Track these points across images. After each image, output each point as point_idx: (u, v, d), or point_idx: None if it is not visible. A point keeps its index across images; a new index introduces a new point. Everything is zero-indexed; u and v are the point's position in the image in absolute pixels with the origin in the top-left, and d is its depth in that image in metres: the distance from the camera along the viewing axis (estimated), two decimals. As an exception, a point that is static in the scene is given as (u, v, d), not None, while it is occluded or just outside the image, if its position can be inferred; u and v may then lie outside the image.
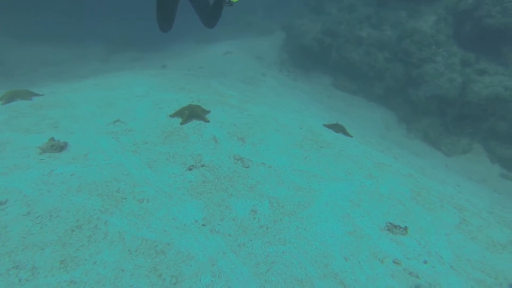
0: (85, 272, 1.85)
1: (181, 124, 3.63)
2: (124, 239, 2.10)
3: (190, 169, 2.90)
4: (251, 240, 2.27)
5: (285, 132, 3.88)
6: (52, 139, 2.92)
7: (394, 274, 2.19)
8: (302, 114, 5.22)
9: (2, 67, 9.78)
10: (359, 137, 5.08)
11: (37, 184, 2.47)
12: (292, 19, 10.53)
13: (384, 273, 2.18)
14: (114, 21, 14.26)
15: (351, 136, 4.64)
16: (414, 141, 7.69)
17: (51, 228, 2.09)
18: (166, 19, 4.16)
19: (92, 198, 2.39)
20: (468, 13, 7.29)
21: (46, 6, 12.79)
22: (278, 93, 7.20)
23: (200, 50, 11.93)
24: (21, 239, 1.99)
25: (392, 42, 8.07)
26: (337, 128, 4.73)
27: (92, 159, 2.86)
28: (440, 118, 7.57)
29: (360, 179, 3.20)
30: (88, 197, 2.40)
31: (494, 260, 2.50)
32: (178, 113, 3.80)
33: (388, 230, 2.56)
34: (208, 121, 3.75)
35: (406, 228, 2.57)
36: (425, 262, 2.35)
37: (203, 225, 2.34)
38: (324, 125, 4.80)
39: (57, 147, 2.89)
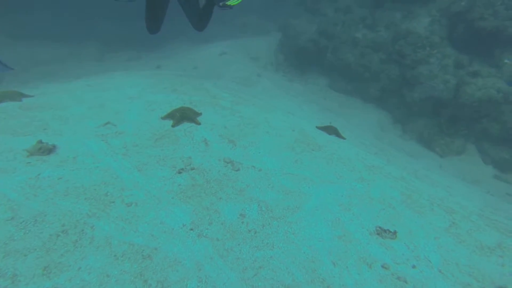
0: (69, 279, 1.83)
1: (172, 126, 3.61)
2: (110, 244, 2.08)
3: (179, 172, 2.88)
4: (239, 245, 2.26)
5: (277, 135, 3.87)
6: (40, 141, 2.88)
7: (382, 279, 2.19)
8: (295, 116, 5.21)
9: (-11, 66, 9.67)
10: (353, 139, 5.09)
11: (23, 188, 2.44)
12: (288, 20, 10.52)
13: (372, 278, 2.18)
14: (111, 20, 14.20)
15: (344, 138, 4.64)
16: (409, 142, 7.73)
17: (35, 233, 2.07)
18: (155, 21, 4.14)
19: (80, 202, 2.37)
20: (461, 15, 7.33)
21: (41, 5, 12.67)
22: (272, 95, 7.20)
23: (195, 50, 11.89)
24: (3, 245, 1.96)
25: (387, 43, 8.10)
26: (330, 130, 4.73)
27: (81, 162, 2.83)
28: (435, 119, 7.61)
29: (351, 182, 3.20)
30: (76, 201, 2.37)
31: (481, 263, 2.51)
32: (170, 116, 3.78)
33: (378, 234, 2.56)
34: (199, 124, 3.73)
35: (395, 232, 2.57)
36: (414, 266, 2.35)
37: (191, 229, 2.32)
38: (317, 127, 4.80)
39: (45, 150, 2.86)
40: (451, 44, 7.67)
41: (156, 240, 2.17)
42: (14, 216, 2.17)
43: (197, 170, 2.95)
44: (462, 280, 2.31)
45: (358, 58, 8.49)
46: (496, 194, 5.43)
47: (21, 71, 9.64)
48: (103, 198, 2.45)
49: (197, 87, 5.33)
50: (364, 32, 8.51)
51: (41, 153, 2.84)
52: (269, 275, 2.07)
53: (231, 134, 3.65)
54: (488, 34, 6.82)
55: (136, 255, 2.03)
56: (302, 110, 6.47)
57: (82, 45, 12.58)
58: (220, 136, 3.56)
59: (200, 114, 4.01)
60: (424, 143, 7.56)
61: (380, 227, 2.60)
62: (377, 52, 8.24)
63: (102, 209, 2.34)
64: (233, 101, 4.85)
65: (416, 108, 7.70)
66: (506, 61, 6.76)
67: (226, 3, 3.46)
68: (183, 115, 3.74)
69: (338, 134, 4.72)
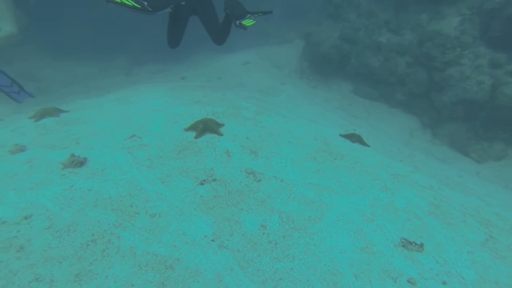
0: (97, 286, 1.92)
1: (195, 138, 3.71)
2: (135, 254, 2.17)
3: (202, 184, 2.95)
4: (259, 256, 2.27)
5: (299, 144, 3.86)
6: (73, 155, 3.07)
7: (408, 294, 2.10)
8: (318, 124, 5.17)
9: (39, 84, 10.45)
10: (378, 146, 4.95)
11: (58, 199, 2.61)
12: (310, 27, 10.51)
13: (397, 292, 2.11)
14: (138, 35, 14.87)
15: (368, 146, 4.53)
16: (440, 147, 7.40)
17: (69, 242, 2.20)
18: (175, 36, 4.33)
19: (107, 213, 2.49)
20: (496, 12, 6.96)
21: (73, 23, 13.49)
22: (295, 102, 7.19)
23: (219, 60, 12.15)
24: (42, 252, 2.10)
25: (413, 46, 7.85)
26: (354, 138, 4.64)
27: (109, 174, 2.98)
28: (468, 123, 7.25)
29: (374, 192, 3.11)
30: (103, 211, 2.50)
31: (522, 281, 2.34)
32: (192, 127, 3.89)
33: (403, 246, 2.47)
34: (221, 135, 3.80)
35: (422, 244, 2.47)
36: (444, 283, 2.24)
37: (212, 240, 2.36)
38: (341, 135, 4.73)
39: (77, 162, 3.04)
40: (485, 43, 7.29)
41: (178, 251, 2.23)
42: (51, 225, 2.33)
43: (219, 181, 3.00)
44: (498, 298, 2.17)
45: (382, 62, 8.30)
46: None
47: (61, 88, 10.35)
48: (128, 209, 2.56)
49: (220, 98, 5.44)
50: (388, 36, 8.31)
51: (74, 165, 3.02)
52: (289, 287, 2.06)
53: (253, 144, 3.68)
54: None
55: (159, 265, 2.10)
56: (325, 117, 6.40)
57: (112, 60, 13.29)
58: (242, 147, 3.61)
59: (223, 125, 4.09)
60: (458, 148, 7.20)
61: (405, 239, 2.50)
62: (402, 55, 8.01)
63: (128, 220, 2.44)
64: (256, 111, 4.90)
65: (447, 112, 7.37)
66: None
67: (242, 22, 3.60)
68: (206, 127, 3.83)
69: (362, 142, 4.62)
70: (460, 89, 7.16)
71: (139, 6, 3.14)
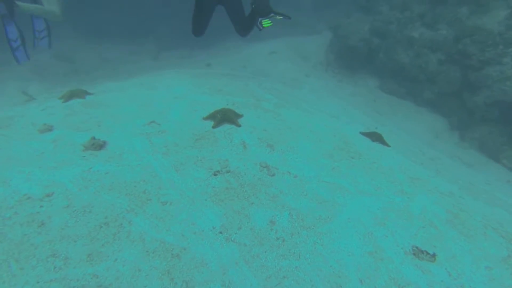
0: (107, 268, 2.00)
1: (213, 127, 3.73)
2: (144, 240, 2.23)
3: (215, 175, 2.97)
4: (265, 252, 2.27)
5: (317, 140, 3.79)
6: (93, 138, 3.19)
7: (415, 305, 2.05)
8: (339, 120, 5.05)
9: (73, 65, 10.86)
10: (399, 146, 4.78)
11: (77, 180, 2.72)
12: (339, 19, 10.17)
13: (403, 302, 2.05)
14: (167, 20, 15.01)
15: (389, 146, 4.38)
16: (468, 151, 7.04)
17: (84, 222, 2.30)
18: (200, 25, 4.34)
19: (121, 197, 2.57)
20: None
21: (105, 7, 13.81)
22: (318, 96, 7.05)
23: (246, 48, 12.06)
24: (60, 230, 2.21)
25: (448, 42, 7.41)
26: (374, 136, 4.49)
27: (126, 159, 3.07)
28: (503, 127, 6.82)
29: (389, 195, 3.02)
30: (118, 195, 2.59)
31: (541, 302, 2.21)
32: (211, 116, 3.91)
33: (414, 254, 2.39)
34: (239, 126, 3.80)
35: (434, 254, 2.37)
36: (454, 295, 2.15)
37: (220, 232, 2.39)
38: (361, 133, 4.60)
39: (97, 145, 3.15)
40: (534, 41, 6.74)
41: (186, 240, 2.28)
42: (69, 205, 2.44)
43: (233, 173, 3.02)
44: (512, 318, 2.07)
45: (413, 58, 7.92)
46: None
47: (92, 70, 10.72)
48: (141, 195, 2.63)
49: (241, 88, 5.42)
50: (421, 31, 7.89)
51: (94, 148, 3.13)
52: (292, 286, 2.06)
53: (270, 138, 3.66)
54: None
55: (166, 253, 2.16)
56: (348, 113, 6.24)
57: (141, 45, 13.54)
58: (259, 139, 3.59)
59: (241, 116, 4.08)
60: (488, 153, 6.81)
61: (417, 247, 2.42)
62: (435, 52, 7.59)
63: (140, 206, 2.52)
64: (277, 103, 4.85)
65: (480, 113, 6.96)
66: None
67: (262, 21, 3.76)
68: (224, 117, 3.84)
69: (382, 141, 4.47)
70: (497, 90, 6.72)
71: None
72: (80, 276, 1.95)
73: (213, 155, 3.25)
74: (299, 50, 11.46)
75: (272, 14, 4.09)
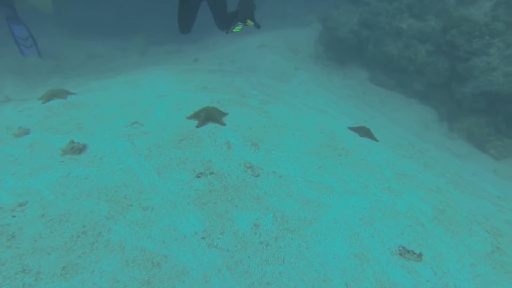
0: (83, 281, 1.93)
1: (197, 127, 3.64)
2: (123, 249, 2.16)
3: (198, 177, 2.90)
4: (248, 257, 2.22)
5: (303, 137, 3.73)
6: (72, 141, 3.07)
7: (400, 307, 2.02)
8: (327, 114, 4.99)
9: (57, 62, 10.57)
10: (388, 140, 4.76)
11: (54, 187, 2.62)
12: (329, 10, 10.05)
13: (388, 304, 2.03)
14: (155, 15, 14.71)
15: (377, 140, 4.35)
16: (456, 141, 7.08)
17: (60, 232, 2.21)
18: (187, 22, 4.25)
19: (101, 204, 2.48)
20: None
21: (91, 2, 13.49)
22: (307, 90, 6.97)
23: (234, 42, 11.87)
24: (32, 242, 2.12)
25: (436, 33, 7.38)
26: (363, 131, 4.45)
27: (107, 162, 2.97)
28: (489, 118, 6.86)
29: (376, 193, 2.98)
30: (97, 202, 2.50)
31: (525, 299, 2.21)
32: (195, 116, 3.82)
33: (400, 254, 2.36)
34: (224, 124, 3.72)
35: (420, 254, 2.35)
36: (439, 295, 2.14)
37: (203, 238, 2.33)
38: (349, 128, 4.55)
39: (76, 149, 3.04)
40: (519, 31, 6.74)
41: (167, 247, 2.21)
42: (44, 214, 2.35)
43: (216, 174, 2.94)
44: (496, 316, 2.06)
45: (401, 50, 7.88)
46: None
47: (78, 67, 10.45)
48: (122, 201, 2.55)
49: (228, 84, 5.32)
50: (410, 22, 7.84)
51: (73, 152, 3.03)
52: (276, 292, 2.01)
53: (256, 136, 3.59)
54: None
55: (146, 262, 2.09)
56: (337, 107, 6.18)
57: (128, 40, 13.25)
58: (243, 138, 3.52)
59: (226, 114, 3.99)
60: (475, 143, 6.86)
61: (403, 247, 2.40)
62: (424, 43, 7.56)
63: (120, 212, 2.43)
64: (263, 99, 4.76)
65: (467, 104, 6.98)
66: None
67: (234, 28, 3.80)
68: (208, 116, 3.75)
69: (370, 136, 4.44)
70: (484, 80, 6.73)
71: None
72: (54, 291, 1.87)
73: (196, 156, 3.17)
74: (288, 43, 11.34)
75: (247, 22, 4.26)
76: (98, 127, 3.61)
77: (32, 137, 3.36)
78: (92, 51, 11.92)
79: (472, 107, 6.94)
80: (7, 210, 2.35)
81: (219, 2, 4.25)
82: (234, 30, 4.28)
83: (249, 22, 4.12)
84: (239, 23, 4.11)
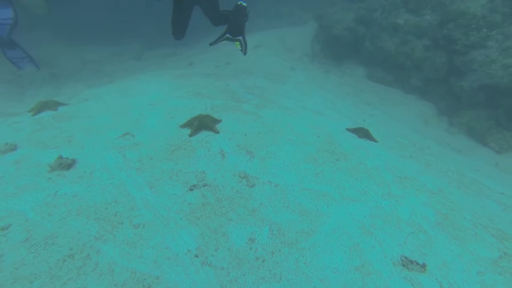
0: (69, 310, 1.83)
1: (190, 136, 3.54)
2: (113, 272, 2.06)
3: (191, 190, 2.80)
4: (244, 275, 2.12)
5: (300, 143, 3.62)
6: (60, 157, 2.98)
7: (404, 323, 1.92)
8: (324, 116, 4.88)
9: (52, 70, 10.48)
10: (387, 140, 4.65)
11: (40, 207, 2.52)
12: (323, 8, 9.93)
13: (392, 321, 1.92)
14: (150, 19, 14.60)
15: (376, 141, 4.25)
16: (457, 136, 6.97)
17: (44, 257, 2.11)
18: (180, 27, 4.17)
19: (89, 223, 2.39)
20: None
21: (85, 8, 13.39)
22: (304, 90, 6.86)
23: (229, 43, 11.73)
24: (14, 270, 2.02)
25: (433, 28, 7.25)
26: (361, 132, 4.34)
27: (97, 177, 2.87)
28: (489, 111, 6.75)
29: (376, 199, 2.88)
30: (86, 221, 2.40)
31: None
32: (188, 124, 3.71)
33: (403, 265, 2.26)
34: (217, 132, 3.61)
35: (424, 264, 2.25)
36: (445, 308, 2.03)
37: (196, 256, 2.23)
38: (348, 129, 4.45)
39: (65, 165, 2.94)
40: (517, 22, 6.62)
41: (158, 268, 2.11)
42: (28, 238, 2.25)
43: (210, 186, 2.84)
44: (506, 329, 1.96)
45: (398, 45, 7.76)
46: None
47: (73, 73, 10.35)
48: (112, 219, 2.45)
49: (222, 89, 5.21)
50: (406, 17, 7.71)
51: (62, 168, 2.93)
52: (273, 313, 1.91)
53: (250, 143, 3.48)
54: None
55: (136, 285, 1.99)
56: (335, 107, 6.07)
57: (124, 45, 13.16)
58: (237, 146, 3.42)
59: (220, 121, 3.89)
60: (476, 137, 6.75)
61: (406, 257, 2.29)
62: (420, 38, 7.44)
63: (110, 231, 2.34)
64: (258, 104, 4.65)
65: (466, 98, 6.87)
66: None
67: (218, 41, 4.14)
68: (201, 124, 3.65)
69: (369, 137, 4.33)
70: (483, 73, 6.62)
71: None
72: (40, 320, 1.77)
73: (189, 167, 3.07)
74: (284, 42, 11.22)
75: (237, 38, 4.26)
76: (89, 139, 3.51)
77: (19, 153, 3.26)
78: (87, 57, 11.82)
79: (471, 101, 6.83)
80: (-11, 235, 2.25)
81: (211, 4, 4.16)
82: (211, 44, 4.30)
83: (237, 45, 4.10)
84: (227, 35, 4.05)
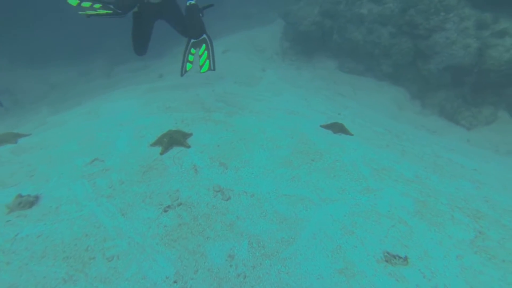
0: None
1: (161, 154, 3.43)
2: (86, 314, 1.94)
3: (166, 211, 2.70)
4: (226, 296, 2.04)
5: (273, 147, 3.57)
6: (20, 195, 2.80)
7: (392, 322, 1.90)
8: (297, 115, 4.86)
9: (14, 97, 10.04)
10: (363, 131, 4.67)
11: (-1, 254, 2.35)
12: (288, 6, 9.95)
13: (380, 322, 1.90)
14: (114, 33, 14.23)
15: (352, 134, 4.25)
16: (430, 117, 7.13)
17: (10, 310, 1.97)
18: (142, 43, 4.02)
19: (56, 264, 2.25)
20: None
21: (43, 30, 12.93)
22: (276, 91, 6.82)
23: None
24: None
25: (396, 15, 7.39)
26: (336, 127, 4.35)
27: (64, 212, 2.72)
28: (457, 90, 6.95)
29: (355, 196, 2.86)
30: (52, 263, 2.26)
31: (517, 286, 2.13)
32: (158, 142, 3.60)
33: (386, 261, 2.24)
34: (189, 147, 3.52)
35: (406, 257, 2.24)
36: (431, 299, 2.03)
37: (175, 281, 2.13)
38: (322, 126, 4.44)
39: (26, 203, 2.76)
40: (470, 3, 6.85)
41: (135, 302, 2.01)
42: (-20, 297, 2.08)
43: (185, 205, 2.75)
44: (491, 313, 1.96)
45: (365, 35, 7.86)
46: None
47: (40, 98, 9.95)
48: (83, 255, 2.31)
49: (191, 100, 5.10)
50: (369, 7, 7.82)
51: (22, 207, 2.75)
52: (258, 332, 1.85)
53: (223, 154, 3.41)
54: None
55: (112, 325, 1.88)
56: (308, 104, 6.07)
57: (91, 62, 12.78)
58: (210, 159, 3.33)
59: (191, 134, 3.79)
60: (448, 116, 6.93)
61: (388, 252, 2.28)
62: (385, 26, 7.56)
63: (81, 269, 2.21)
64: (228, 111, 4.58)
65: (434, 80, 7.04)
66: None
67: (185, 61, 3.84)
68: (171, 140, 3.54)
69: (345, 131, 4.34)
70: (446, 55, 6.80)
71: (111, 12, 2.98)
72: None
73: (163, 188, 2.96)
74: (253, 43, 11.19)
75: (202, 38, 4.06)
76: (54, 171, 3.33)
77: (-25, 197, 3.05)
78: (53, 80, 11.42)
79: (439, 82, 7.00)
80: None
81: (176, 17, 4.03)
82: (188, 68, 4.09)
83: (203, 70, 3.96)
84: (192, 40, 3.88)
